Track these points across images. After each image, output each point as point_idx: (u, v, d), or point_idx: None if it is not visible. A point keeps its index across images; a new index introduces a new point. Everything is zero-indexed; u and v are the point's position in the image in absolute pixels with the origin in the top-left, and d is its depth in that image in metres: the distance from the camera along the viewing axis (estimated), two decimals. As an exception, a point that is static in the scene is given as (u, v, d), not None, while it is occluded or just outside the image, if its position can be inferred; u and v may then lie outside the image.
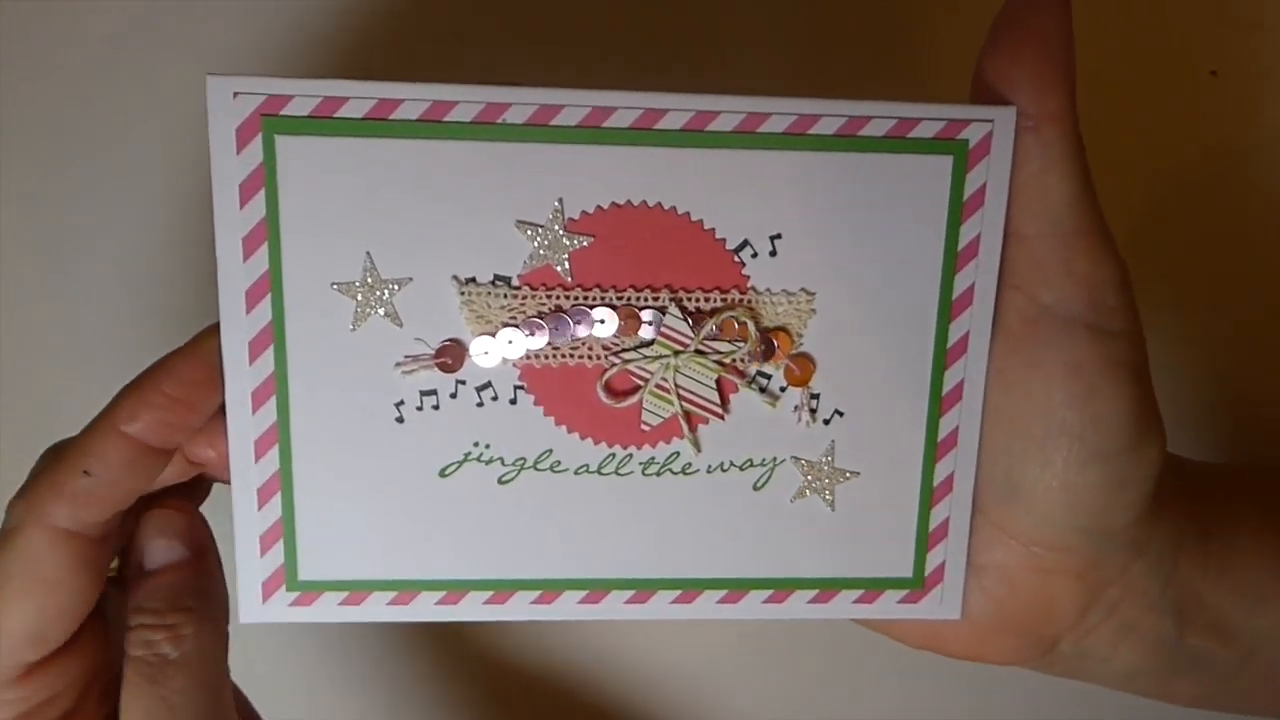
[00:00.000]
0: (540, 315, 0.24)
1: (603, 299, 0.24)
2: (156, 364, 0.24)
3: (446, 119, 0.23)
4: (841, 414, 0.26)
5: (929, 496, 0.26)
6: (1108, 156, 0.23)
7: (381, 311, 0.24)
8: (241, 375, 0.24)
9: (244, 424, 0.24)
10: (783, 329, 0.25)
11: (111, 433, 0.23)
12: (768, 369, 0.25)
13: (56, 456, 0.23)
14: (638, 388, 0.25)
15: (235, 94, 0.23)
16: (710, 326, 0.25)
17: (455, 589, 0.26)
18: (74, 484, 0.23)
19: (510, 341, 0.24)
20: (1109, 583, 0.26)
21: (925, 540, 0.26)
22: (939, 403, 0.26)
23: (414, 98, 0.23)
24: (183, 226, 0.34)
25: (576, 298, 0.24)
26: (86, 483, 0.22)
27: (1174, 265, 0.36)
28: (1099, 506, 0.25)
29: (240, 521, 0.25)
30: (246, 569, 0.25)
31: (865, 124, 0.24)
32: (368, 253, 0.24)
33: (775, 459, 0.26)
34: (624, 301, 0.24)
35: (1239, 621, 0.27)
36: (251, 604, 0.25)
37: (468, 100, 0.23)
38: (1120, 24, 0.33)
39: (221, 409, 0.24)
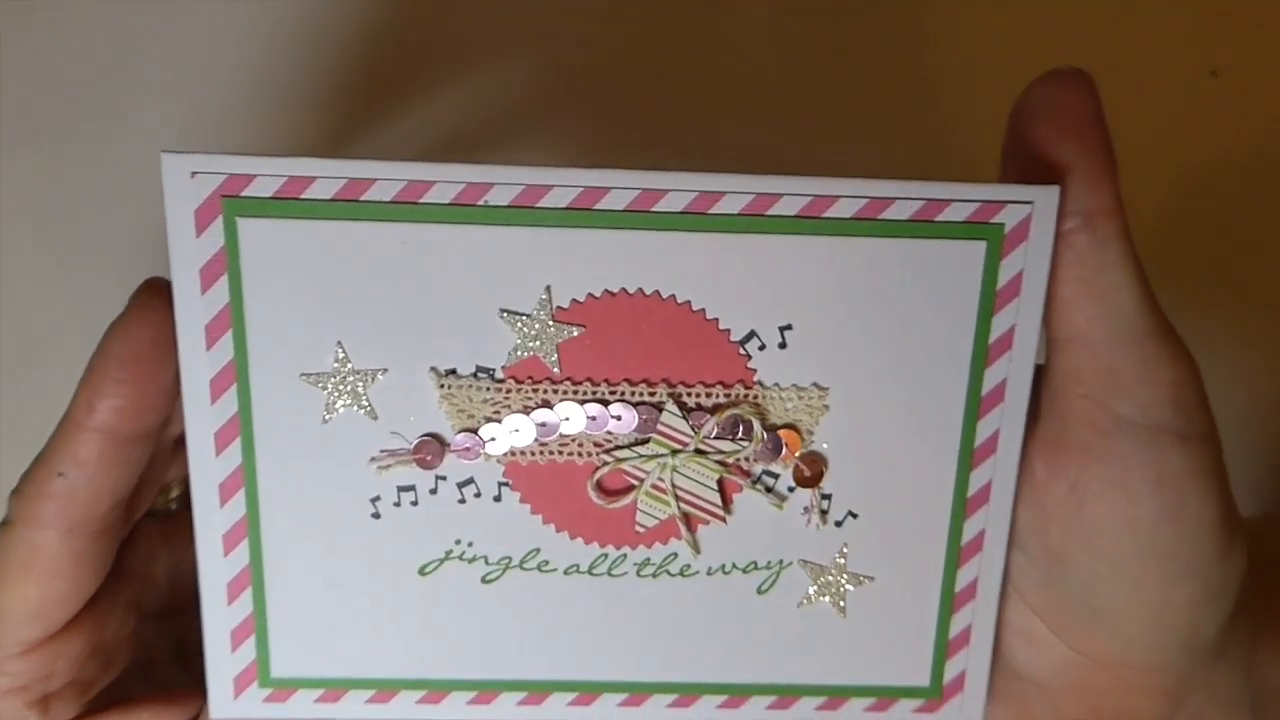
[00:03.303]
0: (526, 410, 0.22)
1: (594, 394, 0.22)
2: (100, 345, 0.22)
3: (423, 200, 0.21)
4: (855, 516, 0.23)
5: (949, 603, 0.24)
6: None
7: (355, 404, 0.22)
8: (208, 467, 0.22)
9: (211, 518, 0.23)
10: (792, 426, 0.23)
11: (76, 430, 0.22)
12: (775, 468, 0.23)
13: (37, 457, 0.22)
14: (632, 487, 0.23)
15: (193, 174, 0.21)
16: (712, 425, 0.22)
17: (437, 689, 0.24)
18: (51, 485, 0.22)
19: (493, 438, 0.22)
20: (1192, 692, 0.24)
21: (944, 648, 0.24)
22: (964, 505, 0.23)
23: (387, 177, 0.21)
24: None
25: (566, 392, 0.22)
26: (63, 483, 0.22)
27: (1172, 267, 0.35)
28: (1191, 621, 0.23)
29: (209, 616, 0.23)
30: (217, 664, 0.24)
31: (888, 206, 0.21)
32: (339, 342, 0.22)
33: (782, 562, 0.24)
34: (618, 396, 0.22)
35: None
36: (223, 699, 0.24)
37: (446, 180, 0.21)
38: (1120, 24, 0.33)
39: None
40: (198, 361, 0.22)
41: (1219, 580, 0.23)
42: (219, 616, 0.23)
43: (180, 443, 0.23)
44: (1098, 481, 0.22)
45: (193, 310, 0.21)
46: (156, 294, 0.22)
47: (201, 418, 0.22)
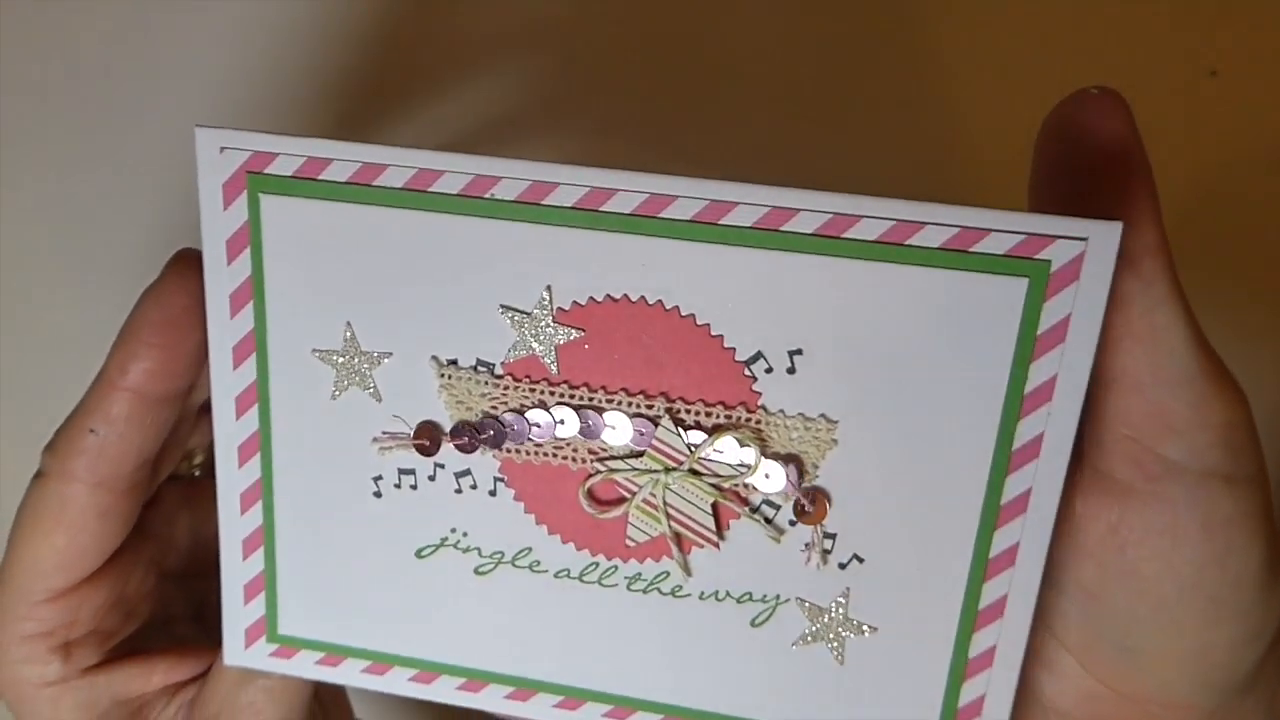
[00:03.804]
0: (522, 409, 0.22)
1: (591, 399, 0.22)
2: (134, 309, 0.23)
3: (431, 189, 0.21)
4: (861, 560, 0.22)
5: (962, 668, 0.22)
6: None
7: (361, 384, 0.22)
8: (229, 428, 0.23)
9: (231, 476, 0.24)
10: (795, 458, 0.21)
11: (109, 389, 0.23)
12: (776, 498, 0.22)
13: (70, 414, 0.24)
14: (624, 499, 0.22)
15: (222, 149, 0.21)
16: (708, 447, 0.21)
17: (428, 670, 0.24)
18: (83, 442, 0.23)
19: (491, 433, 0.22)
20: None
21: (954, 713, 0.22)
22: (984, 566, 0.21)
23: (398, 164, 0.21)
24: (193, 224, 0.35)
25: (563, 395, 0.22)
26: (94, 440, 0.23)
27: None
28: (1230, 662, 0.22)
29: (227, 568, 0.24)
30: (232, 614, 0.25)
31: (917, 231, 0.19)
32: (348, 322, 0.22)
33: (778, 597, 0.22)
34: (614, 405, 0.22)
35: None
36: (235, 648, 0.25)
37: (455, 170, 0.21)
38: (1120, 24, 0.32)
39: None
40: (222, 328, 0.23)
41: (1260, 621, 0.21)
42: (235, 569, 0.24)
43: (205, 409, 0.24)
44: (1142, 525, 0.21)
45: (219, 279, 0.22)
46: (189, 264, 0.23)
47: (225, 381, 0.23)
